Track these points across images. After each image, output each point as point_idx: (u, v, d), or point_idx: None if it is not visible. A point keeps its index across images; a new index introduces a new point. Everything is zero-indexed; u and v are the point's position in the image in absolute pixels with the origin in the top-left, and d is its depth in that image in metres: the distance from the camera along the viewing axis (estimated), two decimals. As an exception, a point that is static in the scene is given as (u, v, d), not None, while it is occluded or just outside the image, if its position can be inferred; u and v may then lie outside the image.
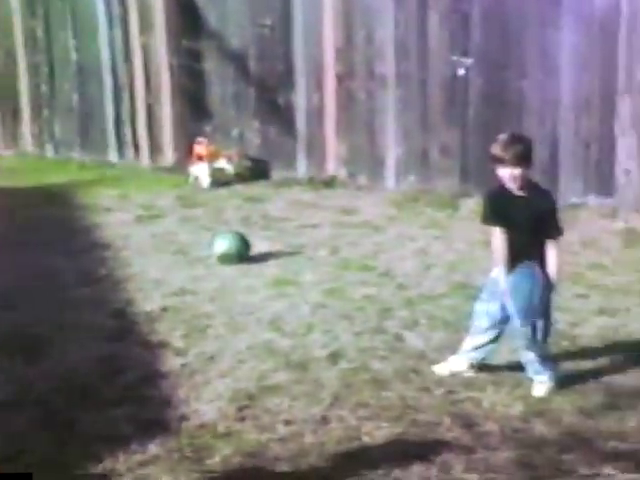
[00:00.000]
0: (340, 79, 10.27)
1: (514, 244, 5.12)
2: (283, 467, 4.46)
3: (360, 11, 10.03)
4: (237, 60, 10.89)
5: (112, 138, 11.85)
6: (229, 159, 10.71)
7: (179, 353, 5.83)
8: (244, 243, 7.82)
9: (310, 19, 10.30)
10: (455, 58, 9.58)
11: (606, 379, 5.35)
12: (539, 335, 5.20)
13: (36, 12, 12.13)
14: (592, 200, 9.15)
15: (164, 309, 6.63)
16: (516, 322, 5.19)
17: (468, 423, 4.85)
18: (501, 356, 5.55)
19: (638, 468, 4.39)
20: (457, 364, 5.45)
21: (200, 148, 10.69)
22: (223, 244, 7.75)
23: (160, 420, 4.95)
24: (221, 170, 10.66)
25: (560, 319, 5.82)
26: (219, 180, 10.62)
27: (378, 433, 4.77)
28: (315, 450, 4.60)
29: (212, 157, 10.63)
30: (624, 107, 8.90)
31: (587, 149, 9.15)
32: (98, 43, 11.65)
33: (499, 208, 5.17)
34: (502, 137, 5.11)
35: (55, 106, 12.25)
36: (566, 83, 9.13)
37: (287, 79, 10.57)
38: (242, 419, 4.94)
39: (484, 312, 5.36)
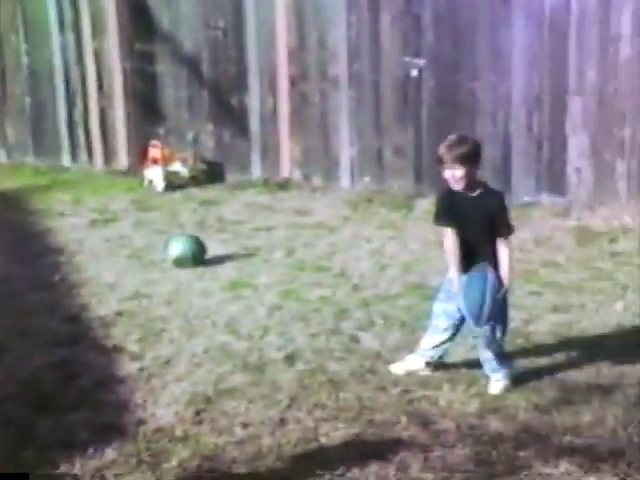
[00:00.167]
0: (293, 81, 10.27)
1: (465, 244, 5.18)
2: (241, 470, 4.47)
3: (313, 13, 10.03)
4: (190, 63, 10.85)
5: (65, 142, 11.73)
6: (183, 162, 10.65)
7: (135, 357, 5.81)
8: (199, 246, 7.79)
9: (263, 22, 10.29)
10: (407, 59, 9.61)
11: (560, 375, 5.41)
12: (498, 334, 5.25)
13: (-14, 16, 12.00)
14: (545, 199, 9.24)
15: (119, 313, 6.60)
16: (469, 322, 5.23)
17: (425, 421, 4.89)
18: (457, 354, 5.60)
19: (593, 462, 4.44)
20: (414, 363, 5.49)
21: (154, 151, 10.63)
22: (178, 247, 7.72)
23: (117, 424, 4.93)
24: (175, 173, 10.60)
25: (514, 316, 5.86)
26: (174, 183, 10.55)
27: (335, 434, 4.79)
28: (273, 452, 4.61)
29: (166, 160, 10.56)
30: (575, 106, 8.99)
31: (539, 148, 9.24)
32: (50, 47, 11.54)
33: (449, 208, 5.22)
34: (448, 139, 5.16)
35: (7, 111, 12.11)
36: (518, 83, 9.20)
37: (240, 81, 10.55)
38: (199, 422, 4.94)
39: (442, 312, 5.40)
